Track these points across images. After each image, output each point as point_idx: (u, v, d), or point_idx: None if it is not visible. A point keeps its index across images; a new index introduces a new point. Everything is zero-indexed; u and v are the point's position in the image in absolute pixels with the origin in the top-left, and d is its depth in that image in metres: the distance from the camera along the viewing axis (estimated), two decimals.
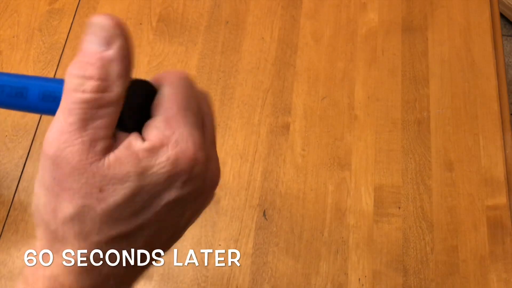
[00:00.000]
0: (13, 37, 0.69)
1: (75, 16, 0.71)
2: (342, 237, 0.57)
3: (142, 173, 0.23)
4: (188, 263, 0.56)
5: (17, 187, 0.60)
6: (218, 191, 0.60)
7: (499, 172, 0.61)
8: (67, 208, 0.23)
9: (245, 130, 0.63)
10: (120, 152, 0.23)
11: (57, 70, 0.67)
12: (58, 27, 0.70)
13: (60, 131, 0.22)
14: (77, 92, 0.22)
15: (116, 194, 0.23)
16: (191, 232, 0.57)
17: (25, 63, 0.67)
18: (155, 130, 0.24)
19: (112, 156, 0.23)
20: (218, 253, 0.57)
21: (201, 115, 0.26)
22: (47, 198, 0.23)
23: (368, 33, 0.69)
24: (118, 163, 0.23)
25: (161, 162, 0.23)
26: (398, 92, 0.66)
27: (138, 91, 0.26)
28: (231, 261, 0.56)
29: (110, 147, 0.23)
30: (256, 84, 0.66)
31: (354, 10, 0.71)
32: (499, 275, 0.56)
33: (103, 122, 0.23)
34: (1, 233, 0.57)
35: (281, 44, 0.69)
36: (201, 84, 0.66)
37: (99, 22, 0.23)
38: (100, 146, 0.23)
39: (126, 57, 0.23)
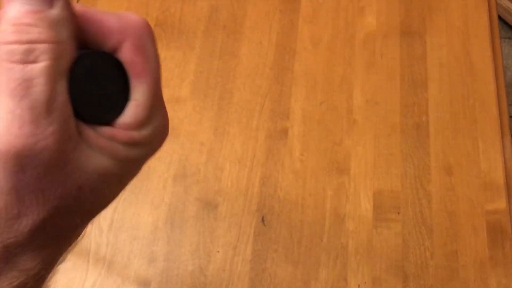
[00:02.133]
0: None
1: None
2: (342, 243, 0.57)
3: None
4: (187, 270, 0.56)
5: None
6: (217, 196, 0.59)
7: (499, 176, 0.60)
8: (38, 214, 0.18)
9: (243, 135, 0.63)
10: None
11: None
12: None
13: (17, 122, 0.17)
14: (25, 64, 0.17)
15: (96, 193, 0.20)
16: (189, 239, 0.57)
17: None
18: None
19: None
20: (217, 260, 0.56)
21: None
22: (4, 204, 0.18)
23: (367, 37, 0.69)
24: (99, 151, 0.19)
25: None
26: (396, 96, 0.65)
27: (91, 69, 0.20)
28: (230, 268, 0.56)
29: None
30: (254, 89, 0.66)
31: (352, 14, 0.71)
32: (499, 280, 0.55)
33: (64, 96, 0.18)
34: None
35: (279, 48, 0.68)
36: (199, 89, 0.66)
37: None
38: (73, 129, 0.18)
39: (73, 17, 0.19)
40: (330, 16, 0.71)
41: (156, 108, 0.21)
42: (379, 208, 0.59)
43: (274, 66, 0.67)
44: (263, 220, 0.58)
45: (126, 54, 0.20)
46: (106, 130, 0.20)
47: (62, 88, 0.18)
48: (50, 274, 0.21)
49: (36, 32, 0.17)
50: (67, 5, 0.18)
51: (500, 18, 1.48)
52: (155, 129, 0.21)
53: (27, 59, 0.17)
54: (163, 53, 0.68)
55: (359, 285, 0.55)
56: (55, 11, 0.18)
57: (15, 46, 0.17)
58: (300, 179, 0.60)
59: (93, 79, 0.20)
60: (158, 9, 0.71)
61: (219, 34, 0.69)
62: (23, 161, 0.17)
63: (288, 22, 0.70)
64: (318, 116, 0.64)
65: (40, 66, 0.17)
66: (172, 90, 0.66)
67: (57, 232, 0.20)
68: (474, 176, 0.60)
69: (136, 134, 0.20)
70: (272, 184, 0.60)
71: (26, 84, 0.17)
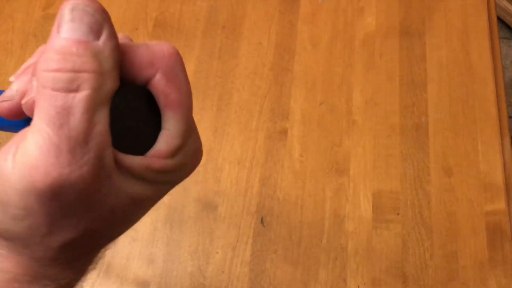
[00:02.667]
0: (8, 43, 0.68)
1: None
2: (341, 244, 0.57)
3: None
4: (186, 271, 0.55)
5: None
6: (216, 197, 0.59)
7: (498, 177, 0.60)
8: (68, 234, 0.19)
9: (242, 135, 0.63)
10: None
11: None
12: None
13: (54, 151, 0.17)
14: (67, 92, 0.17)
15: (128, 215, 0.20)
16: (189, 240, 0.57)
17: None
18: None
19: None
20: (216, 261, 0.56)
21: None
22: (36, 224, 0.18)
23: (366, 38, 0.69)
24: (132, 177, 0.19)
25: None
26: (396, 97, 0.65)
27: (130, 101, 0.20)
28: (229, 269, 0.56)
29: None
30: (254, 90, 0.66)
31: (351, 15, 0.71)
32: (498, 281, 0.55)
33: (103, 126, 0.18)
34: None
35: (278, 49, 0.68)
36: (198, 89, 0.66)
37: (82, 5, 0.18)
38: (108, 157, 0.18)
39: (117, 48, 0.19)
40: (330, 16, 0.71)
41: (189, 135, 0.21)
42: (379, 209, 0.59)
43: (274, 67, 0.67)
44: (262, 221, 0.58)
45: (158, 86, 0.20)
46: (140, 159, 0.20)
47: (102, 117, 0.18)
48: (80, 281, 0.22)
49: (81, 62, 0.17)
50: (113, 36, 0.18)
51: (498, 18, 1.48)
52: (188, 154, 0.21)
53: (69, 87, 0.17)
54: None
55: (358, 286, 0.55)
56: (101, 42, 0.18)
57: (59, 74, 0.17)
58: (299, 180, 0.60)
59: (126, 111, 0.20)
60: (157, 9, 0.71)
61: (218, 34, 0.69)
62: (57, 190, 0.17)
63: (288, 23, 0.70)
64: (317, 116, 0.64)
65: (81, 96, 0.17)
66: None
67: (87, 248, 0.21)
68: (474, 177, 0.60)
69: (170, 162, 0.20)
70: (272, 185, 0.60)
71: (65, 113, 0.17)
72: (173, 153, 0.20)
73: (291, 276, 0.55)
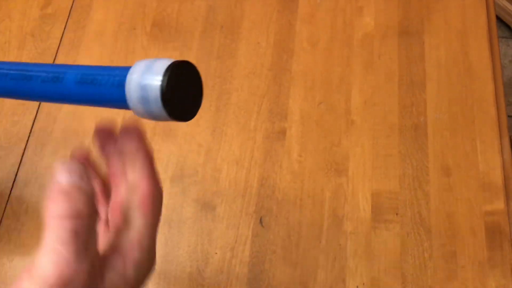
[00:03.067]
0: (5, 43, 0.68)
1: (68, 21, 0.70)
2: (340, 244, 0.57)
3: None
4: (184, 271, 0.55)
5: (9, 195, 0.59)
6: (214, 198, 0.59)
7: (497, 177, 0.60)
8: None
9: (241, 136, 0.62)
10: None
11: None
12: (50, 32, 0.69)
13: (64, 261, 0.23)
14: (76, 219, 0.24)
15: None
16: (187, 241, 0.57)
17: None
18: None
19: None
20: (215, 261, 0.56)
21: None
22: None
23: (365, 38, 0.69)
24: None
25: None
26: (395, 97, 0.65)
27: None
28: (228, 270, 0.56)
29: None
30: (252, 90, 0.65)
31: (350, 15, 0.70)
32: (497, 281, 0.55)
33: (94, 240, 0.25)
34: None
35: (277, 49, 0.68)
36: None
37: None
38: (97, 265, 0.25)
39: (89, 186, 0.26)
40: (328, 16, 0.70)
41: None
42: (378, 209, 0.59)
43: (272, 67, 0.67)
44: (261, 221, 0.58)
45: None
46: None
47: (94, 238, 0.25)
48: None
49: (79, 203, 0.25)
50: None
51: (497, 17, 1.48)
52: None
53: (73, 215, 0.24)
54: (160, 53, 0.68)
55: (357, 287, 0.55)
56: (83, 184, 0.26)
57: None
58: (298, 180, 0.60)
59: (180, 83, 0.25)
60: (155, 9, 0.71)
61: (217, 34, 0.69)
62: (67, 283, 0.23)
63: (286, 23, 0.70)
64: (316, 116, 0.64)
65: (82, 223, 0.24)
66: None
67: None
68: (473, 177, 0.60)
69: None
70: (270, 185, 0.60)
71: (70, 235, 0.24)
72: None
73: (290, 277, 0.55)
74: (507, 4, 1.46)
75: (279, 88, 0.65)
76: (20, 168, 0.60)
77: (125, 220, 0.27)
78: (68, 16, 0.70)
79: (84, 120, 0.63)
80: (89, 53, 0.67)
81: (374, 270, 0.56)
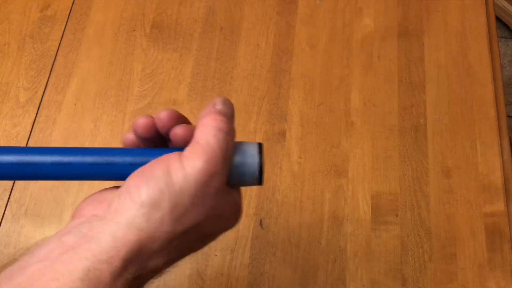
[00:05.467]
0: (4, 44, 0.68)
1: (67, 23, 0.70)
2: (340, 246, 0.57)
3: None
4: (184, 274, 0.55)
5: (9, 198, 0.59)
6: None
7: (497, 178, 0.60)
8: (194, 219, 0.28)
9: (241, 137, 0.62)
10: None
11: (49, 78, 0.66)
12: (50, 34, 0.69)
13: (215, 159, 0.28)
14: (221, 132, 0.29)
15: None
16: None
17: (17, 71, 0.66)
18: None
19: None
20: (215, 264, 0.56)
21: None
22: (180, 203, 0.27)
23: (364, 39, 0.69)
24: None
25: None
26: (394, 98, 0.65)
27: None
28: (228, 272, 0.56)
29: None
30: (252, 91, 0.65)
31: (349, 16, 0.70)
32: (498, 283, 0.55)
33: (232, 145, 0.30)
34: None
35: (276, 50, 0.68)
36: (196, 91, 0.65)
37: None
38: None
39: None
40: (328, 17, 0.70)
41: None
42: (378, 210, 0.59)
43: (272, 68, 0.67)
44: (261, 223, 0.58)
45: None
46: None
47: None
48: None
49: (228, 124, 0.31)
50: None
51: (496, 18, 1.48)
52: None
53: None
54: (159, 55, 0.68)
55: None
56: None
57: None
58: (298, 182, 0.60)
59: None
60: (154, 10, 0.71)
61: (216, 35, 0.69)
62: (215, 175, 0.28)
63: (285, 24, 0.70)
64: (315, 118, 0.64)
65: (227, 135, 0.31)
66: (169, 93, 0.65)
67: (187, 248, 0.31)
68: (473, 178, 0.60)
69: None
70: (270, 187, 0.60)
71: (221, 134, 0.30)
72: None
73: (290, 279, 0.55)
74: (506, 5, 1.46)
75: (278, 89, 0.65)
76: None
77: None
78: (68, 18, 0.70)
79: (83, 122, 0.63)
80: (89, 55, 0.67)
81: (374, 271, 0.56)
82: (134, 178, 0.28)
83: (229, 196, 0.30)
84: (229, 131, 0.29)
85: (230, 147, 0.29)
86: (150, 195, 0.27)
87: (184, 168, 0.27)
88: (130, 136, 0.32)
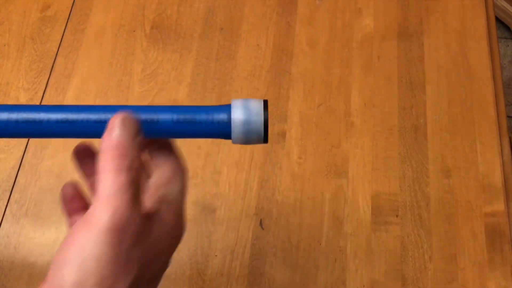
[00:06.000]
0: (4, 45, 0.68)
1: (68, 24, 0.70)
2: (340, 246, 0.57)
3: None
4: (184, 274, 0.55)
5: (9, 198, 0.59)
6: (214, 200, 0.59)
7: (497, 178, 0.60)
8: (127, 278, 0.26)
9: None
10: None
11: (49, 79, 0.66)
12: (50, 34, 0.69)
13: (120, 209, 0.25)
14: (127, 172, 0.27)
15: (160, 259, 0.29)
16: (187, 243, 0.57)
17: (17, 72, 0.66)
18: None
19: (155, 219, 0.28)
20: (215, 264, 0.56)
21: None
22: (105, 274, 0.25)
23: (364, 39, 0.69)
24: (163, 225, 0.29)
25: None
26: (394, 99, 0.65)
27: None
28: (228, 272, 0.56)
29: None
30: (252, 92, 0.65)
31: (349, 16, 0.71)
32: (498, 283, 0.55)
33: (141, 192, 0.27)
34: None
35: (276, 50, 0.68)
36: (196, 92, 0.65)
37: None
38: (144, 215, 0.27)
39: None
40: (327, 18, 0.70)
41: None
42: (378, 211, 0.59)
43: (272, 69, 0.67)
44: (261, 223, 0.58)
45: None
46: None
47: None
48: None
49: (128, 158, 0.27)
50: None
51: (496, 18, 1.48)
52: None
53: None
54: (159, 55, 0.68)
55: None
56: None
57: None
58: (298, 182, 0.60)
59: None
60: (154, 11, 0.71)
61: (216, 36, 0.69)
62: (122, 231, 0.25)
63: (285, 24, 0.70)
64: (315, 118, 0.64)
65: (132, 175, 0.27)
66: (169, 93, 0.65)
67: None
68: (473, 179, 0.60)
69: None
70: (270, 187, 0.60)
71: (128, 185, 0.26)
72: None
73: (290, 279, 0.55)
74: (506, 5, 1.46)
75: (278, 90, 0.65)
76: (20, 171, 0.60)
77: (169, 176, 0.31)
78: (68, 19, 0.70)
79: None
80: (89, 56, 0.67)
81: (375, 272, 0.56)
82: (54, 263, 0.26)
83: (157, 224, 0.28)
84: (131, 164, 0.26)
85: (137, 180, 0.27)
86: (72, 280, 0.25)
87: (93, 232, 0.25)
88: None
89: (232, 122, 0.30)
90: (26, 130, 0.30)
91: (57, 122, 0.30)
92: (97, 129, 0.29)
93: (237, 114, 0.30)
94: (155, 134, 0.31)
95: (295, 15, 0.70)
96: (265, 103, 0.31)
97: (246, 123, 0.30)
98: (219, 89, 0.66)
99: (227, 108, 0.31)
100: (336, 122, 0.64)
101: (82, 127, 0.30)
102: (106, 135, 0.27)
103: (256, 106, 0.30)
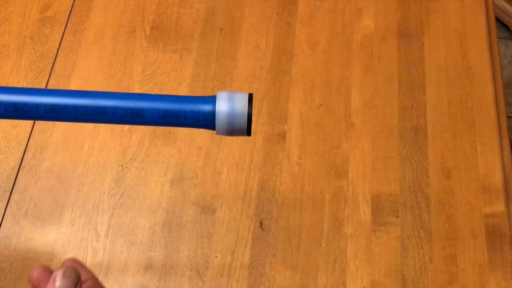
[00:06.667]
0: (4, 46, 0.68)
1: (67, 24, 0.70)
2: (340, 247, 0.57)
3: None
4: (184, 275, 0.55)
5: (9, 199, 0.59)
6: (214, 201, 0.59)
7: (497, 179, 0.60)
8: None
9: (240, 138, 0.62)
10: None
11: (49, 79, 0.66)
12: (50, 35, 0.69)
13: None
14: None
15: None
16: (187, 244, 0.56)
17: (17, 73, 0.66)
18: None
19: None
20: (214, 265, 0.56)
21: None
22: None
23: (364, 40, 0.69)
24: None
25: None
26: (394, 99, 0.65)
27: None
28: (228, 273, 0.56)
29: None
30: (252, 92, 0.65)
31: (349, 17, 0.70)
32: (498, 284, 0.55)
33: None
34: None
35: (276, 51, 0.68)
36: (196, 92, 0.65)
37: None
38: None
39: None
40: (327, 18, 0.70)
41: None
42: (378, 211, 0.59)
43: (272, 69, 0.67)
44: (261, 224, 0.58)
45: None
46: None
47: None
48: None
49: None
50: None
51: (495, 18, 1.48)
52: None
53: None
54: (159, 56, 0.68)
55: None
56: None
57: None
58: (298, 183, 0.60)
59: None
60: (154, 12, 0.71)
61: (216, 37, 0.69)
62: None
63: (285, 25, 0.70)
64: (315, 119, 0.64)
65: None
66: (169, 94, 0.65)
67: None
68: (473, 179, 0.60)
69: None
70: (270, 188, 0.60)
71: None
72: None
73: (290, 280, 0.55)
74: (506, 5, 1.46)
75: (278, 90, 0.65)
76: (19, 171, 0.60)
77: None
78: (68, 19, 0.70)
79: (83, 123, 0.63)
80: (89, 56, 0.67)
81: (375, 273, 0.56)
82: None
83: None
84: None
85: None
86: None
87: None
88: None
89: (216, 113, 0.31)
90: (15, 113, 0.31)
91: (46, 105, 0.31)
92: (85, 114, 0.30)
93: (222, 106, 0.31)
94: (142, 123, 0.31)
95: (295, 16, 0.70)
96: (250, 96, 0.32)
97: (231, 115, 0.31)
98: (219, 90, 0.65)
99: (212, 99, 0.32)
100: (336, 122, 0.63)
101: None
102: (50, 284, 0.31)
103: (241, 99, 0.31)
